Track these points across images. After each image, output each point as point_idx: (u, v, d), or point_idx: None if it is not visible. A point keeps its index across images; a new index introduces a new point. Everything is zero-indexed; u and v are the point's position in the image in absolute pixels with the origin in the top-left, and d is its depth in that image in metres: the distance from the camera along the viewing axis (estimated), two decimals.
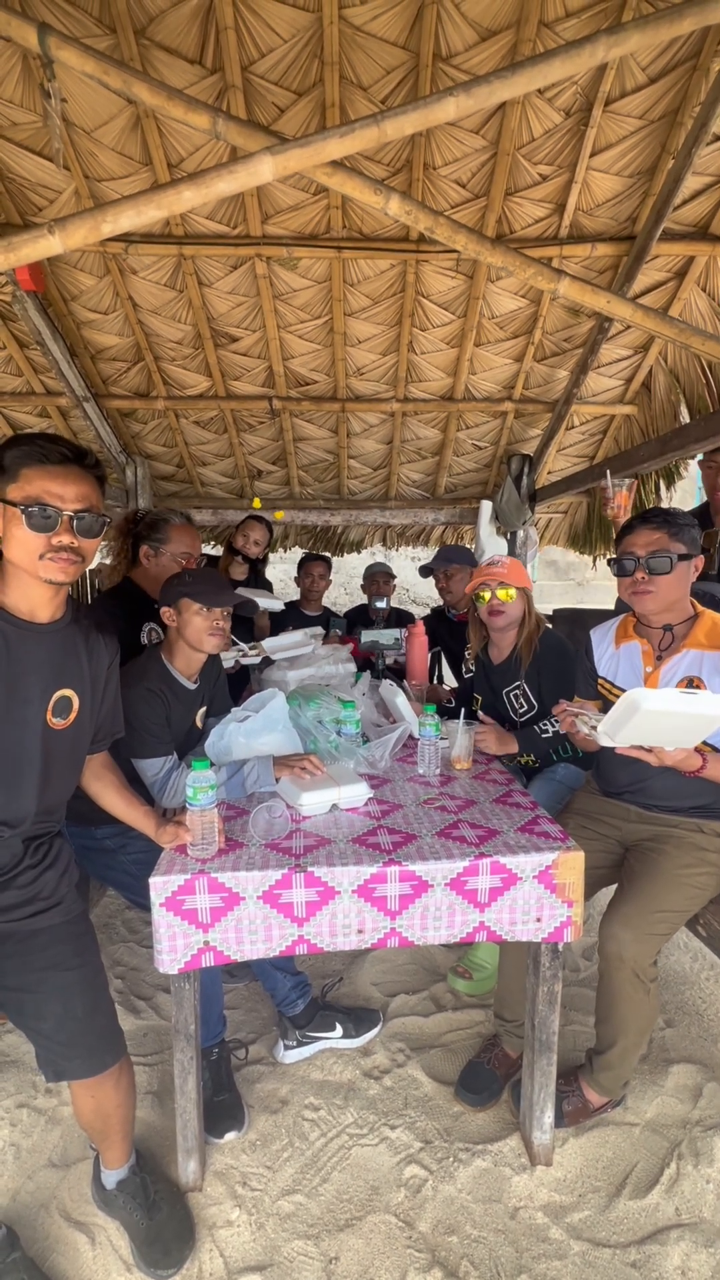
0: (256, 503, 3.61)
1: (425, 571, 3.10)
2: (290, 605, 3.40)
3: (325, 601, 3.56)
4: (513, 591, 2.02)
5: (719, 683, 1.52)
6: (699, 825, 1.60)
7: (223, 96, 2.13)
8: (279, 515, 3.44)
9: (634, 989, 1.46)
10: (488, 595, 2.03)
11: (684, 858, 1.55)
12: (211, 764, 1.38)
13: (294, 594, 3.61)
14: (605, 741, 1.37)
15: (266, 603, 2.93)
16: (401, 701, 2.09)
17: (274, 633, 3.14)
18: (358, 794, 1.58)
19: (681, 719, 1.26)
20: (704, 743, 1.50)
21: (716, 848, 1.58)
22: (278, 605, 3.02)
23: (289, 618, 3.29)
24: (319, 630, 2.80)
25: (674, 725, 1.28)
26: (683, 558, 1.53)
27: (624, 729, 1.30)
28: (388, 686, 2.17)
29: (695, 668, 1.55)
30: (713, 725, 1.27)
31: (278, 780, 1.62)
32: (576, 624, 3.19)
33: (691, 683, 1.54)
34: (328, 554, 3.90)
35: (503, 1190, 1.43)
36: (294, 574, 3.50)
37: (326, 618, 3.45)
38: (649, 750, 1.39)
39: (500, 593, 2.01)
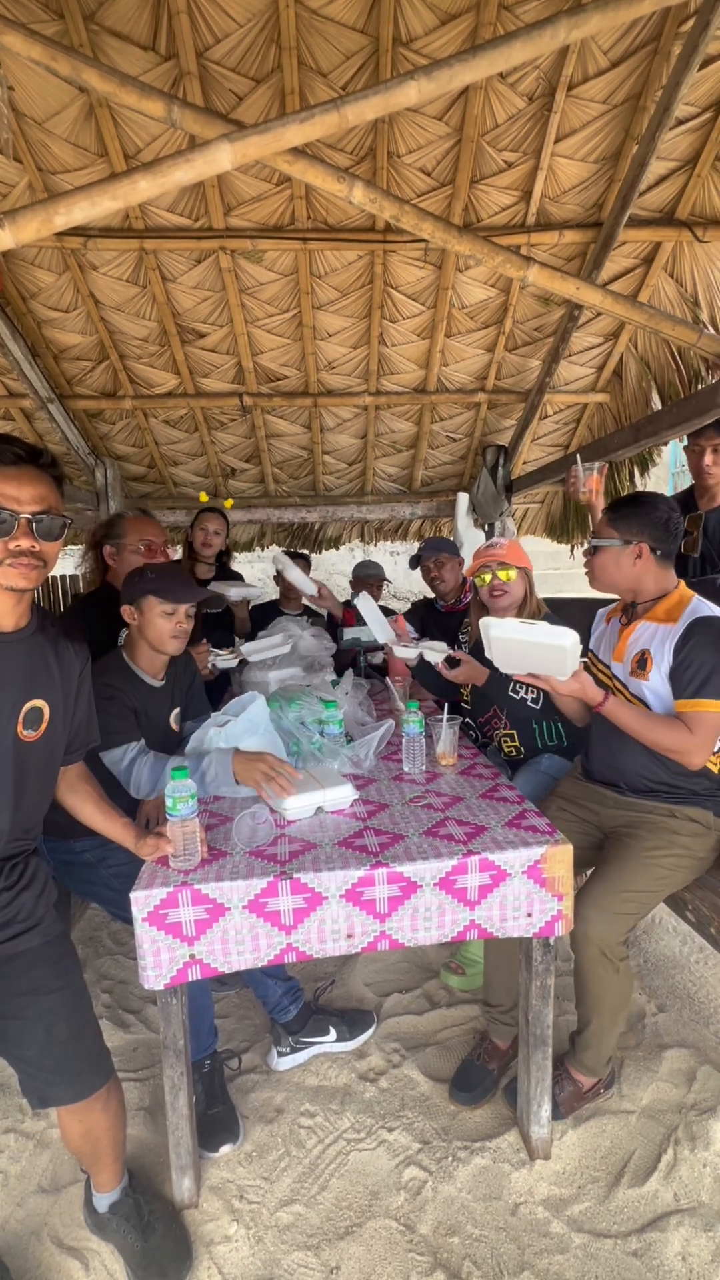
0: (204, 496, 3.55)
1: (414, 562, 3.09)
2: (271, 604, 3.35)
3: (305, 600, 3.51)
4: (513, 572, 2.03)
5: (661, 654, 1.57)
6: (671, 810, 1.62)
7: (178, 84, 2.07)
8: (229, 504, 3.40)
9: (602, 967, 1.48)
10: (489, 577, 2.04)
11: (654, 841, 1.58)
12: (190, 774, 1.34)
13: (274, 593, 3.56)
14: (497, 663, 1.59)
15: (242, 591, 2.83)
16: (368, 608, 2.09)
17: (256, 627, 3.08)
18: (343, 796, 1.55)
19: (533, 648, 1.50)
20: (613, 678, 1.68)
21: (689, 831, 1.60)
22: (255, 592, 2.92)
23: (270, 617, 3.24)
24: (297, 633, 2.75)
25: (529, 653, 1.51)
26: (607, 545, 1.63)
27: (492, 652, 1.55)
28: (362, 597, 2.17)
29: (648, 640, 1.62)
30: (563, 655, 1.46)
31: (238, 783, 1.57)
32: (556, 612, 3.20)
33: (642, 655, 1.61)
34: (307, 552, 3.85)
35: (503, 1187, 1.42)
36: (273, 572, 3.45)
37: (307, 616, 3.40)
38: (540, 678, 1.55)
39: (501, 573, 2.03)
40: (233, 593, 2.82)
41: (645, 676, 1.58)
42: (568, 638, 1.45)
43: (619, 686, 1.67)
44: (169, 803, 1.29)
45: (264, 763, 1.53)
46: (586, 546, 1.71)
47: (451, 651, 2.05)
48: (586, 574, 1.72)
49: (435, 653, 2.05)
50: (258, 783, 1.52)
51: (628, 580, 1.64)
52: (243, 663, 2.46)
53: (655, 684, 1.57)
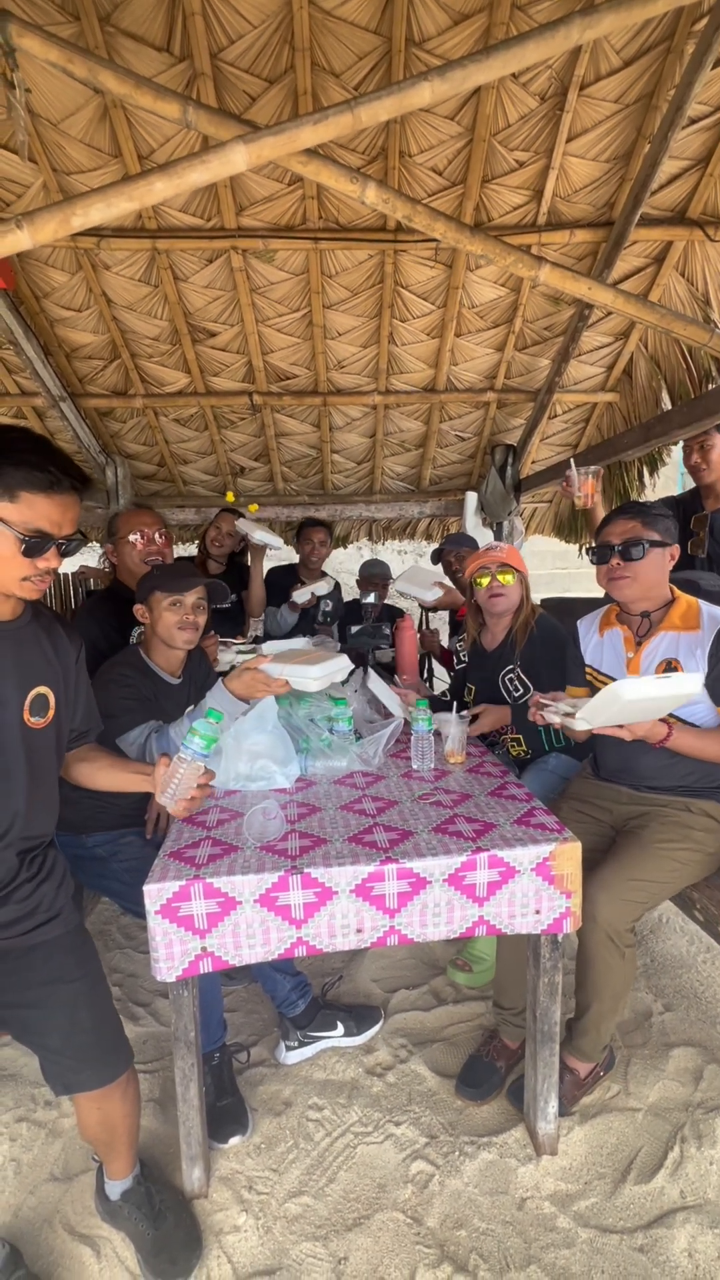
0: (230, 496, 3.58)
1: (437, 555, 3.12)
2: (290, 569, 3.35)
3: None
4: (512, 575, 2.03)
5: (694, 662, 1.57)
6: (687, 804, 1.63)
7: (192, 85, 2.09)
8: (253, 509, 3.45)
9: (608, 951, 1.48)
10: (487, 580, 2.04)
11: (667, 833, 1.58)
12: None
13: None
14: (582, 727, 1.42)
15: (265, 537, 2.83)
16: (378, 687, 2.09)
17: (272, 599, 3.08)
18: (345, 664, 1.63)
19: (656, 701, 1.34)
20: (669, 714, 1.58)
21: (704, 826, 1.60)
22: (278, 542, 2.92)
23: (288, 581, 3.25)
24: (326, 641, 2.75)
25: (649, 706, 1.37)
26: (656, 545, 1.59)
27: (603, 715, 1.37)
28: (374, 680, 2.17)
29: (672, 649, 1.61)
30: (682, 701, 1.36)
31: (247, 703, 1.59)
32: (564, 613, 3.21)
33: (670, 664, 1.59)
34: (328, 520, 3.73)
35: (509, 1181, 1.43)
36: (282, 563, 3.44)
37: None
38: (621, 726, 1.45)
39: (501, 576, 2.03)
40: (256, 535, 2.82)
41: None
42: (698, 682, 1.33)
43: None
44: (187, 733, 1.25)
45: (254, 674, 1.55)
46: (618, 548, 1.58)
47: (467, 712, 2.02)
48: (618, 580, 1.61)
49: (454, 726, 1.87)
50: (266, 687, 1.55)
51: (660, 584, 1.63)
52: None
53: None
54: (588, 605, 2.17)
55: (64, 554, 1.11)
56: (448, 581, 2.87)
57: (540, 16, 1.94)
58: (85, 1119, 1.26)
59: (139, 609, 1.69)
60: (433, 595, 2.73)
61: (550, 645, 2.03)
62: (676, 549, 1.62)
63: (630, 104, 2.23)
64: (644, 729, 1.45)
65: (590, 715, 1.38)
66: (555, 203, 2.53)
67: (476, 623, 2.23)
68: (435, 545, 3.33)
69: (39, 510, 1.05)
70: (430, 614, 3.41)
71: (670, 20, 2.02)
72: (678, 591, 1.67)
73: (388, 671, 2.90)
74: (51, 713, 1.20)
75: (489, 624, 2.18)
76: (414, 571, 2.90)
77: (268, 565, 3.15)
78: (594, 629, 1.81)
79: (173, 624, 1.66)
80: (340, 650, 2.80)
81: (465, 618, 2.29)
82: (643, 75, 2.15)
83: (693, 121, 2.26)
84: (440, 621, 3.90)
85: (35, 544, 1.05)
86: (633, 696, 1.29)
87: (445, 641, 3.37)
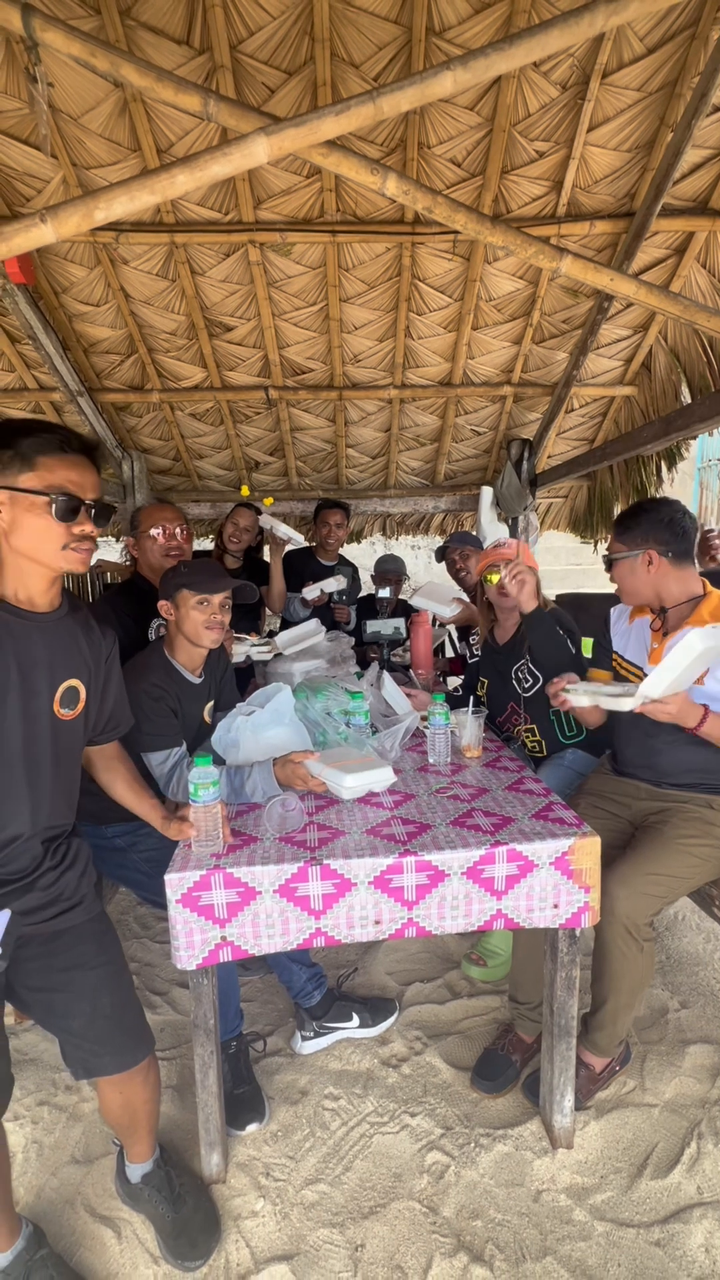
0: (245, 490, 3.59)
1: (440, 554, 3.10)
2: (308, 551, 3.36)
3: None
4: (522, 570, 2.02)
5: None
6: (709, 801, 1.62)
7: (212, 78, 2.09)
8: (268, 502, 3.47)
9: (626, 945, 1.48)
10: (496, 576, 2.03)
11: (688, 829, 1.58)
12: (213, 759, 1.37)
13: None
14: (643, 702, 1.40)
15: (287, 531, 2.87)
16: (391, 694, 2.09)
17: (290, 584, 3.10)
18: (388, 776, 1.60)
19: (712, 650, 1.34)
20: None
21: None
22: (299, 538, 2.97)
23: (306, 563, 3.26)
24: (340, 638, 2.76)
25: (705, 660, 1.36)
26: (621, 557, 1.65)
27: (668, 678, 1.35)
28: (388, 686, 2.17)
29: None
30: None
31: (284, 786, 1.60)
32: (578, 608, 3.19)
33: None
34: (347, 501, 3.70)
35: (525, 1174, 1.44)
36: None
37: (341, 565, 3.38)
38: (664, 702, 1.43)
39: None
40: (280, 530, 2.86)
41: (700, 682, 1.55)
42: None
43: None
44: (191, 789, 1.31)
45: (296, 766, 1.56)
46: (606, 562, 1.72)
47: (483, 708, 2.05)
48: (616, 591, 1.75)
49: (471, 721, 1.88)
50: (304, 783, 1.56)
51: (648, 587, 1.67)
52: (276, 655, 2.48)
53: (711, 689, 1.54)
54: (603, 600, 2.16)
55: (98, 521, 1.13)
56: (464, 596, 2.84)
57: (563, 3, 1.91)
58: (107, 1103, 1.28)
59: (164, 605, 1.68)
60: (451, 611, 2.70)
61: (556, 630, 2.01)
62: (650, 553, 1.61)
63: (653, 92, 2.20)
64: (679, 707, 1.43)
65: (656, 681, 1.36)
66: (575, 194, 2.50)
67: (488, 619, 2.23)
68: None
69: (58, 473, 1.08)
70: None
71: (695, 6, 1.99)
72: (710, 586, 1.66)
73: (403, 668, 2.90)
74: (81, 706, 1.22)
75: (500, 619, 2.18)
76: (431, 588, 2.87)
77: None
78: (625, 615, 1.83)
79: (200, 623, 1.65)
80: (356, 647, 2.81)
81: (479, 616, 2.29)
82: (666, 62, 2.12)
83: (716, 109, 2.22)
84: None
85: (65, 503, 1.07)
86: (707, 644, 1.31)
87: (455, 643, 3.36)
